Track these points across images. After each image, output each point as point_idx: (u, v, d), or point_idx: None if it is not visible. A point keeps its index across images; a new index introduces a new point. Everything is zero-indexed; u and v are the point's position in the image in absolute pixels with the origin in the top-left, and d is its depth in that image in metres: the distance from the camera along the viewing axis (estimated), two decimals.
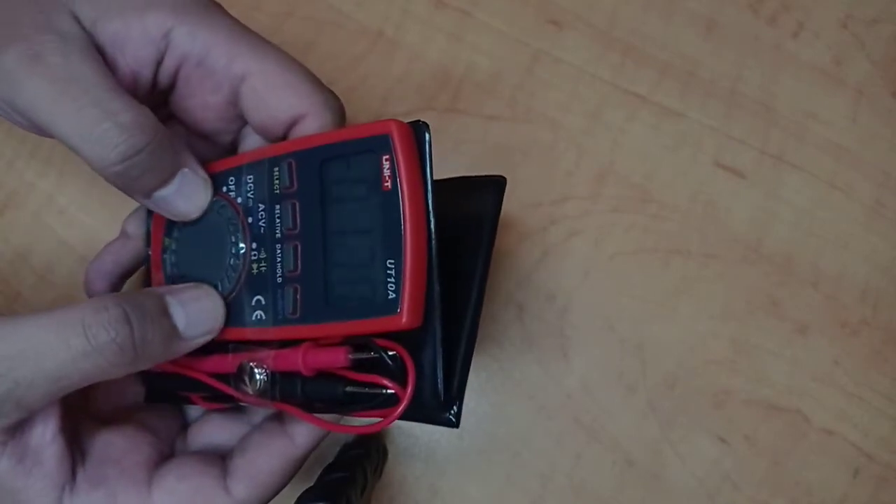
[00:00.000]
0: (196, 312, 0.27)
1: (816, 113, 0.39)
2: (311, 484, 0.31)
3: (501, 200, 0.28)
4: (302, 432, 0.29)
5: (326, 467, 0.33)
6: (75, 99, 0.25)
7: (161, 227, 0.31)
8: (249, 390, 0.27)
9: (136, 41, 0.27)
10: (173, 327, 0.27)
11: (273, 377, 0.27)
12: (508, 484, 0.37)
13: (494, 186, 0.29)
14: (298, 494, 0.29)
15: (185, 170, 0.28)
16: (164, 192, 0.28)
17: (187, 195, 0.29)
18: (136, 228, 0.32)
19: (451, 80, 0.40)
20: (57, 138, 0.26)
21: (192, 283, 0.29)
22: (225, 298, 0.28)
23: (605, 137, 0.39)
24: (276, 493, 0.29)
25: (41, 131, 0.27)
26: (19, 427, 0.26)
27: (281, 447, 0.28)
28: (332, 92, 0.29)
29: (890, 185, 0.38)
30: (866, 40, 0.39)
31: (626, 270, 0.38)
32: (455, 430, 0.37)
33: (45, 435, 0.26)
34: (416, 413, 0.26)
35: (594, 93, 0.40)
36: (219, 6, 0.29)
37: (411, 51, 0.40)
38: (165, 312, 0.27)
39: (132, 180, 0.27)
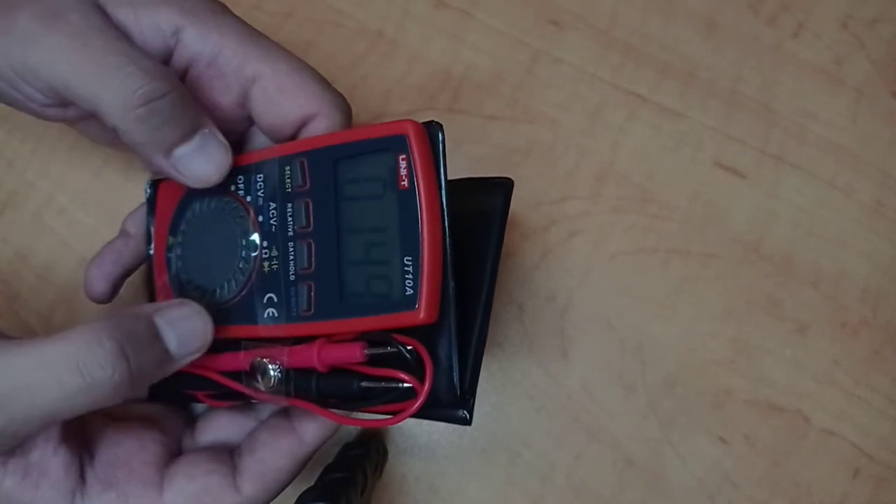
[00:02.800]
0: (185, 331, 0.27)
1: (816, 113, 0.39)
2: (312, 484, 0.31)
3: (509, 202, 0.29)
4: (310, 430, 0.29)
5: (326, 467, 0.33)
6: (97, 49, 0.25)
7: (165, 225, 0.31)
8: (262, 387, 0.27)
9: (144, 30, 0.28)
10: (165, 350, 0.26)
11: (287, 374, 0.27)
12: (508, 484, 0.37)
13: (502, 188, 0.29)
14: (298, 494, 0.29)
15: (206, 130, 0.28)
16: (184, 150, 0.28)
17: (208, 155, 0.28)
18: (137, 227, 0.32)
19: (451, 80, 0.40)
20: (74, 93, 0.26)
21: (177, 300, 0.28)
22: (235, 296, 0.29)
23: (605, 137, 0.39)
24: (284, 488, 0.29)
25: (53, 97, 0.27)
26: (18, 446, 0.26)
27: (289, 445, 0.29)
28: (340, 93, 0.30)
29: (890, 185, 0.38)
30: (866, 40, 0.39)
31: (626, 270, 0.38)
32: (455, 430, 0.37)
33: (48, 448, 0.26)
34: (429, 411, 0.26)
35: (594, 93, 0.40)
36: (226, 8, 0.29)
37: (411, 51, 0.40)
38: (157, 336, 0.26)
39: (154, 130, 0.26)
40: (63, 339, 0.24)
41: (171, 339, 0.26)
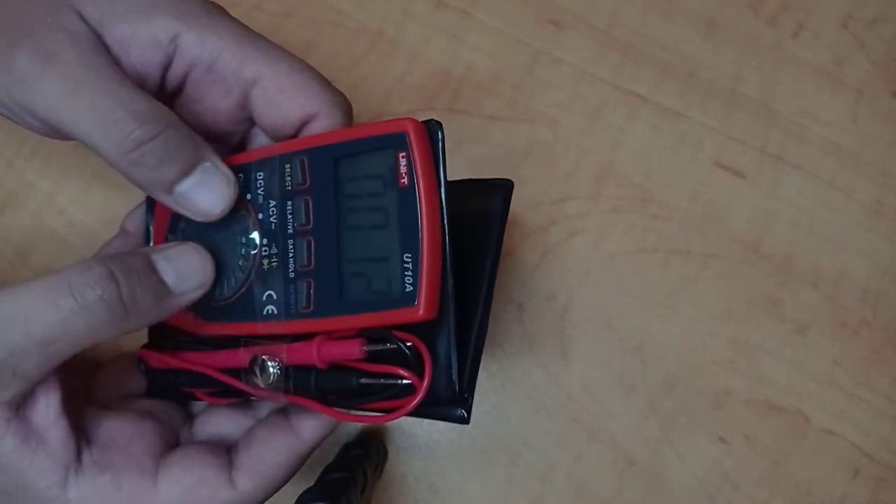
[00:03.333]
0: (184, 266, 0.28)
1: (816, 113, 0.39)
2: (311, 484, 0.31)
3: (509, 203, 0.29)
4: (308, 427, 0.29)
5: (326, 467, 0.33)
6: (89, 92, 0.26)
7: (164, 223, 0.31)
8: (261, 384, 0.27)
9: (142, 44, 0.28)
10: (161, 282, 0.27)
11: (286, 370, 0.27)
12: (508, 484, 0.37)
13: (502, 189, 0.29)
14: (298, 494, 0.29)
15: (207, 164, 0.28)
16: (184, 186, 0.28)
17: (210, 189, 0.28)
18: (136, 226, 0.32)
19: (451, 80, 0.40)
20: (72, 135, 0.27)
21: (175, 242, 0.29)
22: (235, 293, 0.29)
23: (605, 137, 0.39)
24: (281, 486, 0.29)
25: (55, 131, 0.27)
26: (22, 405, 0.26)
27: (287, 442, 0.29)
28: (340, 92, 0.30)
29: (890, 185, 0.38)
30: (866, 40, 0.39)
31: (626, 270, 0.38)
32: (455, 430, 0.37)
33: (49, 415, 0.26)
34: (427, 409, 0.26)
35: (594, 93, 0.40)
36: (222, 10, 0.29)
37: (411, 51, 0.40)
38: (152, 269, 0.27)
39: (150, 171, 0.27)
40: (57, 271, 0.25)
41: (169, 273, 0.27)
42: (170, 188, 0.28)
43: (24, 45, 0.26)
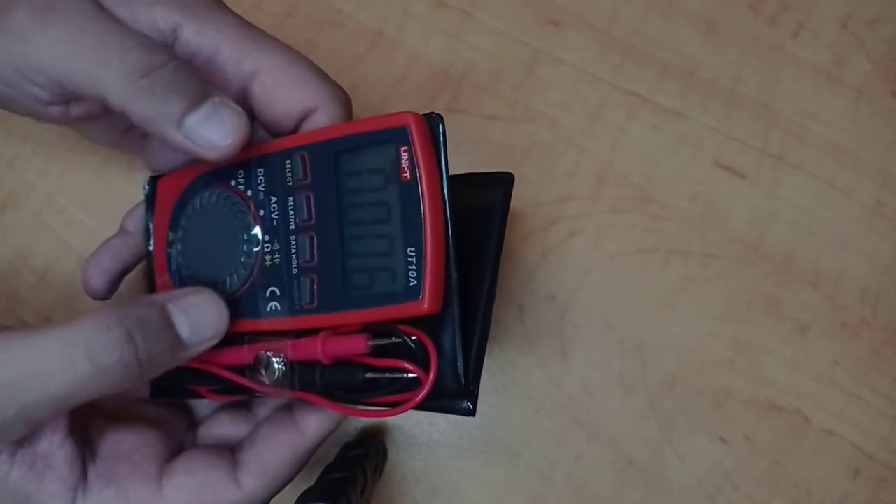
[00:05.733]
0: (199, 319, 0.27)
1: (816, 113, 0.39)
2: (312, 484, 0.31)
3: (510, 195, 0.29)
4: (311, 424, 0.29)
5: (326, 467, 0.33)
6: (92, 32, 0.25)
7: (165, 221, 0.31)
8: (266, 380, 0.27)
9: (143, 30, 0.27)
10: (177, 337, 0.26)
11: (291, 367, 0.27)
12: (508, 484, 0.37)
13: (503, 182, 0.29)
14: (298, 494, 0.29)
15: (216, 98, 0.27)
16: (195, 118, 0.26)
17: (220, 121, 0.27)
18: (136, 225, 0.32)
19: (451, 80, 0.40)
20: (74, 82, 0.26)
21: (191, 288, 0.28)
22: (238, 291, 0.29)
23: (605, 137, 0.39)
24: (286, 484, 0.29)
25: (58, 93, 0.27)
26: (28, 437, 0.26)
27: (290, 438, 0.29)
28: (339, 86, 0.29)
29: (890, 185, 0.38)
30: (866, 40, 0.39)
31: (627, 270, 0.38)
32: (455, 430, 0.37)
33: (54, 441, 0.26)
34: (433, 402, 0.26)
35: (594, 93, 0.40)
36: (222, 3, 0.29)
37: (411, 51, 0.40)
38: (169, 323, 0.26)
39: (160, 102, 0.26)
40: (75, 325, 0.25)
41: (184, 327, 0.27)
42: (179, 122, 0.27)
43: (20, 6, 0.26)
